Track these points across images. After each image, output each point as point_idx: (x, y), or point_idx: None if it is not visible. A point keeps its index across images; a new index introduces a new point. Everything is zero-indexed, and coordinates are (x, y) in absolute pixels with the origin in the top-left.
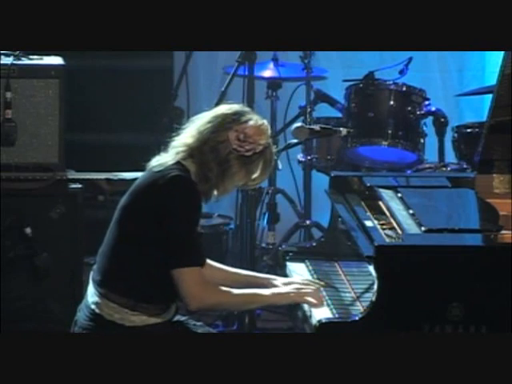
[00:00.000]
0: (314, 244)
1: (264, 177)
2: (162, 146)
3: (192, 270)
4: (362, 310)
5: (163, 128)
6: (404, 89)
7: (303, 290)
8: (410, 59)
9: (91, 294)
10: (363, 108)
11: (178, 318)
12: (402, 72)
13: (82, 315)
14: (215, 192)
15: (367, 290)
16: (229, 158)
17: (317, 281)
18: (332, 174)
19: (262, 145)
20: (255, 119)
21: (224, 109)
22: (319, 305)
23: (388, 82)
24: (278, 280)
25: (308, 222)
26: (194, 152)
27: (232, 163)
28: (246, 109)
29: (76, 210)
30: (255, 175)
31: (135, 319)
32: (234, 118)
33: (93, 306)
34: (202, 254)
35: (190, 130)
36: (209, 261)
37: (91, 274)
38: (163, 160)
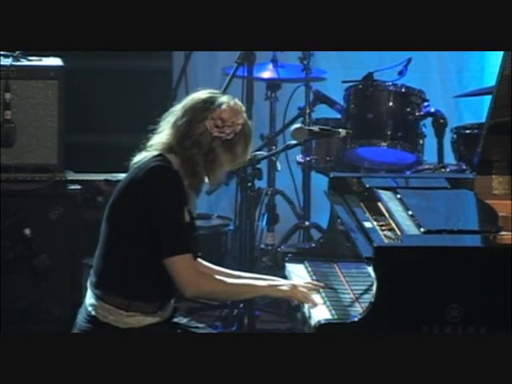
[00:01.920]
0: (313, 245)
1: (248, 153)
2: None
3: (183, 258)
4: (361, 311)
5: None
6: (403, 90)
7: (299, 288)
8: (409, 60)
9: (89, 297)
10: (362, 109)
11: (179, 319)
12: (401, 73)
13: (80, 317)
14: (206, 181)
15: (366, 291)
16: (213, 147)
17: (316, 283)
18: (331, 175)
19: (240, 124)
20: (227, 101)
21: (193, 100)
22: (313, 304)
23: (387, 83)
24: (281, 282)
25: (307, 223)
26: (176, 148)
27: (217, 151)
28: (214, 91)
29: (75, 211)
30: (240, 154)
31: (130, 320)
32: (207, 107)
33: (89, 308)
34: (196, 243)
35: (165, 128)
36: (210, 264)
37: (89, 277)
38: (143, 156)
